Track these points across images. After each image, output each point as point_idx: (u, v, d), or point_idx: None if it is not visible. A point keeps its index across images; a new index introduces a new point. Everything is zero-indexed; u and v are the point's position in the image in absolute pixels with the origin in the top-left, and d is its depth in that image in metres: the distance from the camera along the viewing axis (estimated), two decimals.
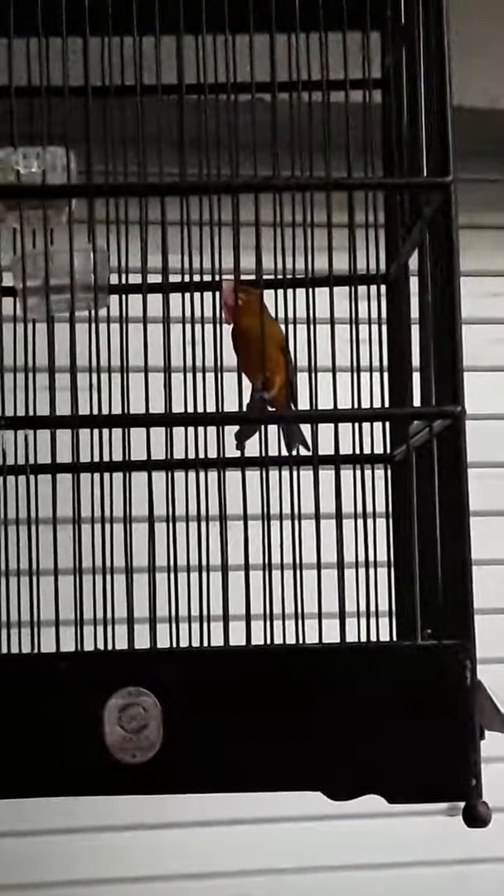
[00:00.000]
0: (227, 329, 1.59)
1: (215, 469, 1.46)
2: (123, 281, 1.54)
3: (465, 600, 1.30)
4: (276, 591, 1.52)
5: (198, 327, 1.53)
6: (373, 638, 1.47)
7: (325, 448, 1.44)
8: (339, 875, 2.74)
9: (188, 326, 1.52)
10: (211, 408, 1.46)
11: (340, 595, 1.37)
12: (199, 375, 1.51)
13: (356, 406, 1.45)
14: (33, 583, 1.52)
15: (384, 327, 1.56)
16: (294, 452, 1.60)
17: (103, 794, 1.30)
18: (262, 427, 1.52)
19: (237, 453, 1.52)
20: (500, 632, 2.22)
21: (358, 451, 1.48)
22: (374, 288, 1.57)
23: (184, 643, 1.48)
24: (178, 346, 1.49)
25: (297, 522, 1.53)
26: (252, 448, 1.52)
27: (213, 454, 1.47)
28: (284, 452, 1.61)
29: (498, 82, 2.75)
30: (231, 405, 1.48)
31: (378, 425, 1.52)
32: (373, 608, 1.47)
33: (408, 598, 1.36)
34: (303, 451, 1.59)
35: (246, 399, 1.58)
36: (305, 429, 1.58)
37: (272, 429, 1.56)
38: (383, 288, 1.58)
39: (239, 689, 1.30)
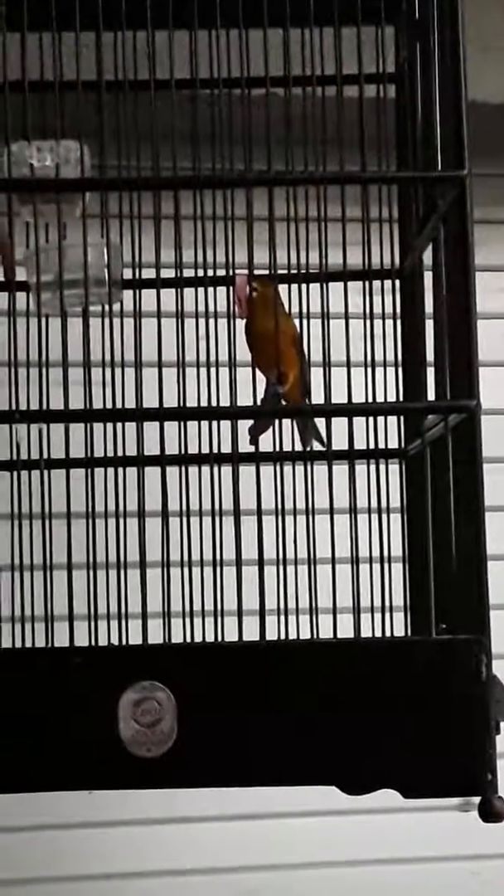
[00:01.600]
0: (241, 324, 1.59)
1: (229, 464, 1.45)
2: (137, 275, 1.53)
3: (481, 595, 1.30)
4: (291, 585, 1.52)
5: (211, 322, 1.53)
6: (387, 633, 1.47)
7: (340, 443, 1.44)
8: (351, 871, 2.73)
9: (202, 321, 1.52)
10: (225, 402, 1.46)
11: (355, 590, 1.37)
12: (213, 370, 1.51)
13: (370, 400, 1.45)
14: (47, 577, 1.52)
15: (398, 321, 1.56)
16: (309, 447, 1.60)
17: (118, 788, 1.30)
18: (276, 422, 1.52)
19: (251, 448, 1.52)
20: None
21: (372, 446, 1.47)
22: (388, 282, 1.56)
23: (198, 638, 1.48)
24: (192, 341, 1.48)
25: (311, 517, 1.53)
26: (266, 443, 1.52)
27: (226, 449, 1.47)
28: (299, 447, 1.61)
29: None
30: (245, 400, 1.48)
31: (392, 419, 1.52)
32: (387, 603, 1.47)
33: (422, 593, 1.36)
34: (318, 447, 1.59)
35: (260, 394, 1.58)
36: (320, 423, 1.58)
37: (286, 423, 1.56)
38: (397, 282, 1.58)
39: (253, 683, 1.29)
